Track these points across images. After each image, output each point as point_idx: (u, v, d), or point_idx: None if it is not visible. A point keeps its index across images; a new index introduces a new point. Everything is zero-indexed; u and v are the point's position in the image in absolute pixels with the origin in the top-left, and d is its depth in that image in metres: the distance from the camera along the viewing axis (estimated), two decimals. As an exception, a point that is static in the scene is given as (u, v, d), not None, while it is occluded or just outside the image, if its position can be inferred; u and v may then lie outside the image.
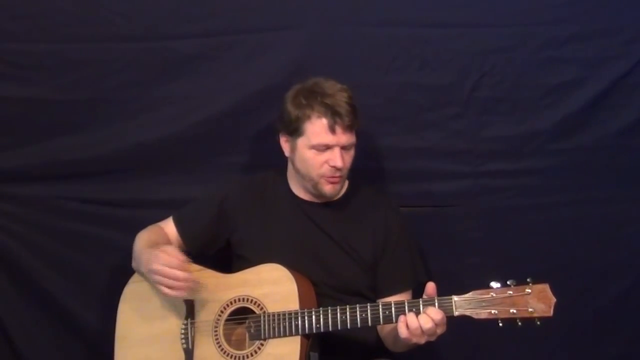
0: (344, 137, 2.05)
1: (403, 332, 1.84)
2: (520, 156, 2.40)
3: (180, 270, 1.97)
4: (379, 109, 2.40)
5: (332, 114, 2.03)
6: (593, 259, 2.43)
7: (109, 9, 2.41)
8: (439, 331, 1.84)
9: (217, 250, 2.25)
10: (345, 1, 2.39)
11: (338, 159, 2.05)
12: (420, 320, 1.82)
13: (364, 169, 2.39)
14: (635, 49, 2.34)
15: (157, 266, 1.98)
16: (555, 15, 2.34)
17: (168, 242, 2.19)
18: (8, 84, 2.45)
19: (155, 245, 2.10)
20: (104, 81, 2.44)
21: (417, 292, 2.09)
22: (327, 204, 2.17)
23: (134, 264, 2.17)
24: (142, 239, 2.16)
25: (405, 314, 1.85)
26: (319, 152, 2.06)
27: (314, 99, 2.06)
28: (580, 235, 2.43)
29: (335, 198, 2.18)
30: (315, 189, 2.12)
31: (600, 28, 2.34)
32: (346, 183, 2.21)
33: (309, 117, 2.05)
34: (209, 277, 2.12)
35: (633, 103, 2.37)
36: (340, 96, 2.05)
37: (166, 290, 1.99)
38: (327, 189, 2.10)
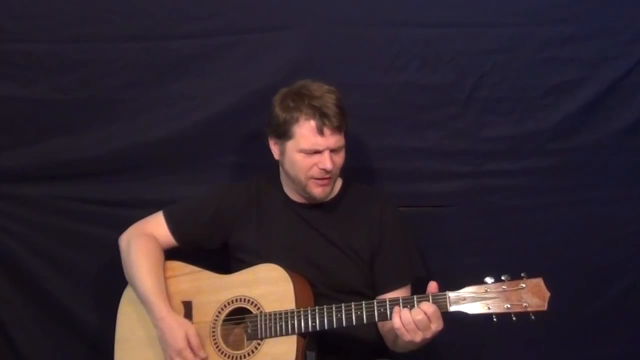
0: (333, 140, 2.03)
1: (396, 322, 1.85)
2: (520, 156, 2.40)
3: None
4: (379, 109, 2.40)
5: (320, 115, 2.01)
6: (593, 259, 2.43)
7: (109, 9, 2.41)
8: (434, 327, 1.84)
9: (216, 251, 2.24)
10: (345, 1, 2.38)
11: (327, 162, 2.03)
12: (412, 313, 1.83)
13: (364, 169, 2.39)
14: (635, 49, 2.34)
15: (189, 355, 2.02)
16: (555, 15, 2.34)
17: (162, 255, 2.18)
18: (8, 84, 2.45)
19: (160, 279, 2.12)
20: (104, 81, 2.44)
21: (415, 288, 2.09)
22: (321, 205, 2.16)
23: (128, 277, 2.17)
24: (145, 269, 2.13)
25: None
26: (308, 155, 2.05)
27: (301, 102, 2.04)
28: (580, 235, 2.43)
29: (328, 199, 2.16)
30: (305, 192, 2.11)
31: (600, 28, 2.34)
32: (339, 182, 2.20)
33: (297, 120, 2.03)
34: (207, 278, 2.13)
35: (633, 103, 2.37)
36: (328, 98, 2.04)
37: None
38: (317, 191, 2.09)
